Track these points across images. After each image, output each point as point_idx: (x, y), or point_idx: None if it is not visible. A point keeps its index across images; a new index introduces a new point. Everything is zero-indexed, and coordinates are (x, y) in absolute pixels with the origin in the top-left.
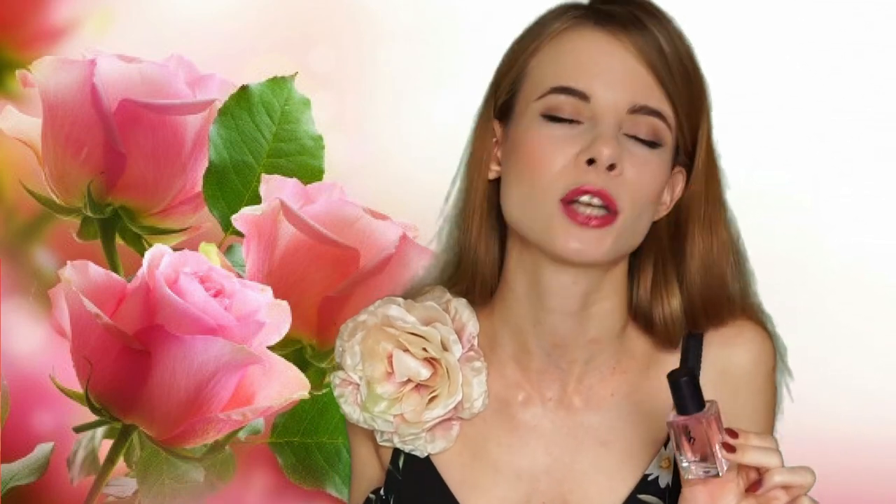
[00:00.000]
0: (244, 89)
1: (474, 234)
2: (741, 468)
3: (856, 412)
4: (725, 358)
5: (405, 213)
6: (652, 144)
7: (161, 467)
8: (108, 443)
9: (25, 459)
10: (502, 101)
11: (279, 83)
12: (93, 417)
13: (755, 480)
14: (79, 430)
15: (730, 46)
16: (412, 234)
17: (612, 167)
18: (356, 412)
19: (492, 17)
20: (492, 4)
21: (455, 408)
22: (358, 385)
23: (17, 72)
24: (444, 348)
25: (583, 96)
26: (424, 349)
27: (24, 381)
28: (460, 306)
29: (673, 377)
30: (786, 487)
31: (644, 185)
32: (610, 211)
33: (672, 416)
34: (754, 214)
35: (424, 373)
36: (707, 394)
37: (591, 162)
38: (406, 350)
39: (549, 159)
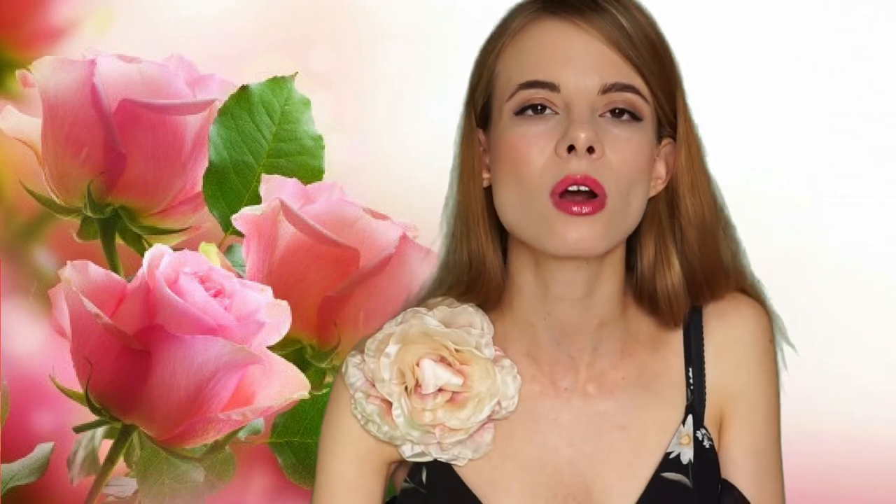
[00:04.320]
0: (244, 89)
1: (482, 243)
2: None
3: (855, 412)
4: (723, 332)
5: (405, 213)
6: (630, 121)
7: (161, 467)
8: (108, 443)
9: (25, 459)
10: (480, 109)
11: (279, 83)
12: (93, 417)
13: None
14: (79, 430)
15: (728, 47)
16: (412, 234)
17: (591, 150)
18: (392, 428)
19: (492, 18)
20: (492, 4)
21: (493, 410)
22: (389, 402)
23: (17, 72)
24: (478, 351)
25: (552, 87)
26: (460, 355)
27: (24, 381)
28: (471, 312)
29: None
30: None
31: (627, 164)
32: (597, 196)
33: None
34: (753, 214)
35: (456, 381)
36: (709, 368)
37: (570, 149)
38: (438, 358)
39: (531, 157)
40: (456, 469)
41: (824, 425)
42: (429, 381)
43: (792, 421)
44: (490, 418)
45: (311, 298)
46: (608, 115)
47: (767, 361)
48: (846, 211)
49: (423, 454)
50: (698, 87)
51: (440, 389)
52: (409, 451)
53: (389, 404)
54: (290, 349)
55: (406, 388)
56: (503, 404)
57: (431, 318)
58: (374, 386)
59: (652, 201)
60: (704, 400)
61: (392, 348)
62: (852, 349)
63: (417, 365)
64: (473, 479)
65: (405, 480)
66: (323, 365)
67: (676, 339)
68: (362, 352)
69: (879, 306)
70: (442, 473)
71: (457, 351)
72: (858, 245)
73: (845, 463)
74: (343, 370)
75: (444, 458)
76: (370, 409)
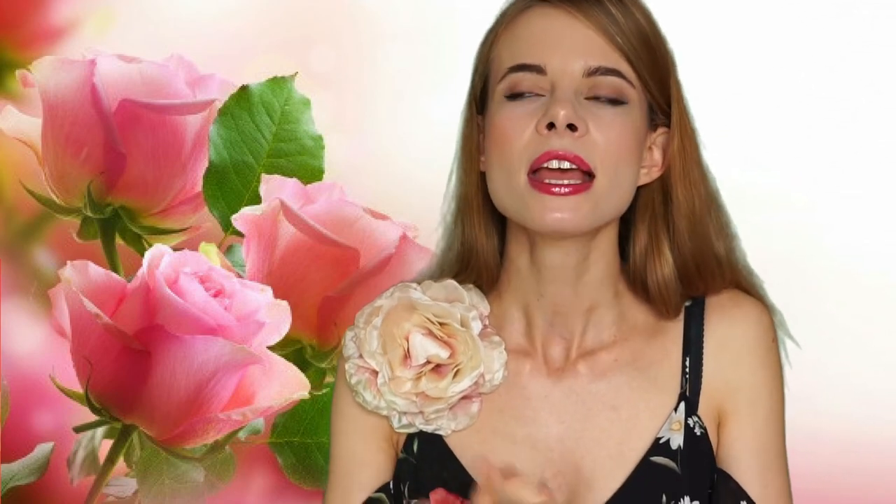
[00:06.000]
0: (244, 89)
1: (475, 226)
2: None
3: (854, 412)
4: (724, 329)
5: (405, 213)
6: (615, 102)
7: (161, 467)
8: (108, 443)
9: (25, 459)
10: (478, 95)
11: (279, 83)
12: (93, 417)
13: None
14: (79, 430)
15: (727, 46)
16: (412, 234)
17: (572, 127)
18: (376, 398)
19: (492, 18)
20: (492, 4)
21: (476, 382)
22: (376, 371)
23: (17, 72)
24: (464, 326)
25: (538, 70)
26: (444, 328)
27: (24, 381)
28: (469, 290)
29: None
30: None
31: (613, 144)
32: (584, 174)
33: None
34: (752, 214)
35: (443, 354)
36: (708, 360)
37: (551, 126)
38: (426, 332)
39: (514, 135)
40: (446, 441)
41: (824, 425)
42: (418, 353)
43: (792, 421)
44: (476, 391)
45: (311, 298)
46: (593, 97)
47: (770, 359)
48: (846, 211)
49: (409, 425)
50: (697, 86)
51: (428, 361)
52: (396, 423)
53: (376, 374)
54: (290, 349)
55: (390, 358)
56: (487, 377)
57: (417, 292)
58: (362, 356)
59: (646, 189)
60: (699, 389)
61: (379, 319)
62: (852, 349)
63: (406, 338)
64: (463, 451)
65: (401, 451)
66: (323, 365)
67: (676, 328)
68: None
69: (879, 306)
70: (432, 445)
71: (441, 324)
72: (858, 245)
73: (845, 463)
74: (342, 342)
75: (428, 428)
76: (356, 379)
